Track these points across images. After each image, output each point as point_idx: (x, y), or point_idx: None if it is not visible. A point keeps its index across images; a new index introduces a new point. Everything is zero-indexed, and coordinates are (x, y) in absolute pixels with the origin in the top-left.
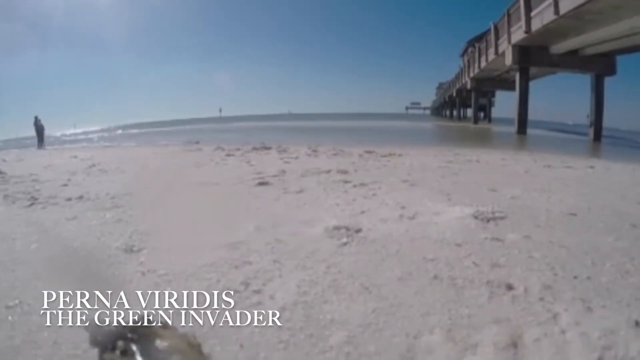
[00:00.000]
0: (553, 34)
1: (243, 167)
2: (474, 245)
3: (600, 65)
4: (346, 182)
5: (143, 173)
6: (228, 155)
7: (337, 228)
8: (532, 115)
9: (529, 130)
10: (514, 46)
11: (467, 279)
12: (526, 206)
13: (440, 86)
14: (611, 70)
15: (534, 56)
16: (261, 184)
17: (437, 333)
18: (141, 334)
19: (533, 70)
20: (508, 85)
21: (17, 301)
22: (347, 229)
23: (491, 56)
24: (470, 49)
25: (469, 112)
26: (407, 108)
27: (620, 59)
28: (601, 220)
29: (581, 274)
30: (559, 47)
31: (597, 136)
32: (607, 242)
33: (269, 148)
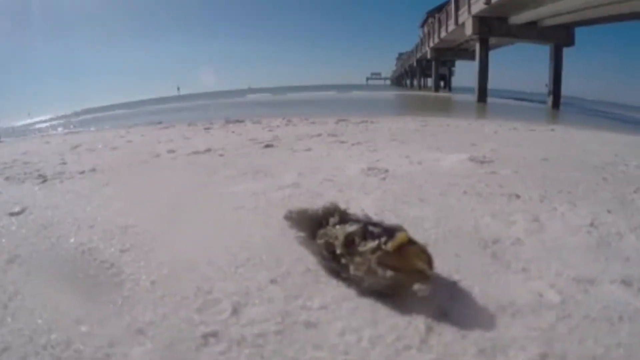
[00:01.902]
0: (512, 5)
1: (232, 137)
2: (479, 176)
3: (558, 36)
4: (342, 142)
5: (140, 148)
6: (207, 129)
7: (370, 169)
8: (491, 84)
9: (489, 99)
10: (474, 17)
11: (487, 192)
12: (506, 155)
13: (400, 57)
14: (569, 41)
15: (493, 27)
16: (267, 146)
17: (487, 217)
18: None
19: (493, 40)
20: (468, 55)
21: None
22: (378, 169)
23: (451, 27)
24: (430, 20)
25: (429, 81)
26: (367, 79)
27: (578, 30)
28: (569, 164)
29: (563, 189)
30: (519, 18)
31: (556, 104)
32: (577, 175)
33: (242, 121)
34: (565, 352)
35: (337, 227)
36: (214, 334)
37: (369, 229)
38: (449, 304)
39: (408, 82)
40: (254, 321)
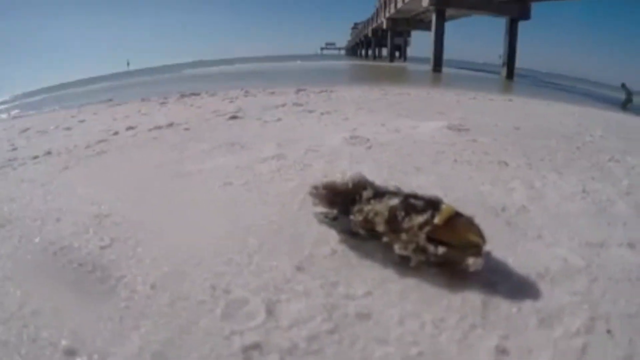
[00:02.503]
0: None
1: (193, 110)
2: (462, 144)
3: (514, 10)
4: (310, 111)
5: (96, 126)
6: (162, 103)
7: (352, 138)
8: (446, 54)
9: (444, 69)
10: None
11: (476, 160)
12: (478, 123)
13: (355, 26)
14: (525, 15)
15: None
16: (233, 117)
17: (488, 185)
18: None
19: (449, 11)
20: (424, 26)
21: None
22: (360, 138)
23: None
24: None
25: (384, 51)
26: (321, 49)
27: (535, 5)
28: (540, 133)
29: (545, 158)
30: None
31: (510, 75)
32: (552, 144)
33: (198, 94)
34: (607, 314)
35: (373, 201)
36: (256, 346)
37: (410, 202)
38: (493, 277)
39: (363, 52)
40: (297, 322)
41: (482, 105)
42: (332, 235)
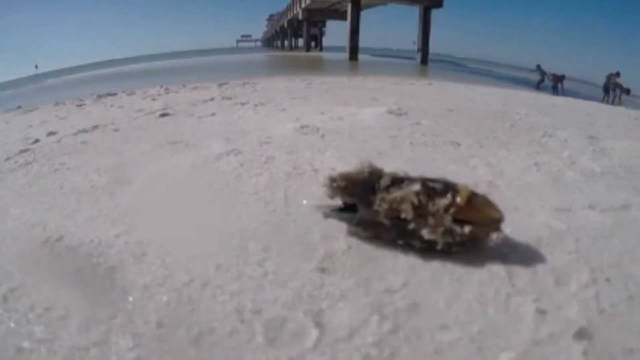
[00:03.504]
0: None
1: (115, 110)
2: (410, 128)
3: None
4: (243, 104)
5: (11, 135)
6: (79, 106)
7: (303, 127)
8: (362, 42)
9: (360, 57)
10: None
11: (430, 142)
12: (412, 107)
13: (271, 18)
14: (438, 3)
15: None
16: (163, 115)
17: (452, 165)
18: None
19: (364, 1)
20: (339, 16)
21: None
22: (309, 127)
23: None
24: None
25: (300, 42)
26: (237, 41)
27: None
28: (473, 113)
29: (488, 136)
30: None
31: (424, 60)
32: (489, 123)
33: (115, 94)
34: (600, 266)
35: (392, 189)
36: None
37: (430, 185)
38: (503, 249)
39: (279, 43)
40: (355, 329)
41: (406, 89)
42: (338, 230)
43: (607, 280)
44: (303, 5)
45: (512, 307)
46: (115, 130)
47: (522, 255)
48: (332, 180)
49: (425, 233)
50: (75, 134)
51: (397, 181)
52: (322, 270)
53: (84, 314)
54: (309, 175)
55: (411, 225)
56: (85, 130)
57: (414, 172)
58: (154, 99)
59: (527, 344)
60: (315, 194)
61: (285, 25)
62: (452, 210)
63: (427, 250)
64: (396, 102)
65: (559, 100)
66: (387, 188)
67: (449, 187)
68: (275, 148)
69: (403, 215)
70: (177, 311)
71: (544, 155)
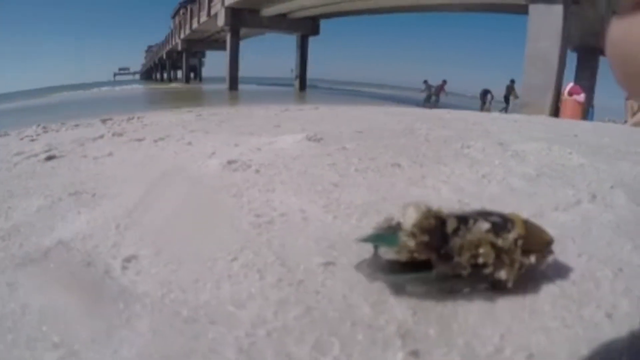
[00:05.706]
0: None
1: None
2: (340, 153)
3: (305, 27)
4: (140, 140)
5: None
6: None
7: (230, 162)
8: (242, 72)
9: (241, 86)
10: (227, 8)
11: (373, 166)
12: (322, 132)
13: (149, 49)
14: (315, 31)
15: (245, 18)
16: (49, 158)
17: (413, 188)
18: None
19: (244, 30)
20: (219, 45)
21: None
22: (235, 162)
23: (204, 18)
24: (182, 11)
25: (180, 73)
26: (115, 75)
27: (323, 22)
28: (382, 133)
29: (414, 154)
30: (269, 11)
31: (303, 86)
32: (404, 141)
33: None
34: (605, 260)
35: (460, 232)
36: None
37: (493, 220)
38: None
39: (158, 75)
40: None
41: (297, 115)
42: (383, 292)
43: (620, 270)
44: (182, 35)
45: (586, 316)
46: None
47: (549, 265)
48: (413, 235)
49: (503, 274)
50: None
51: (463, 220)
52: (415, 354)
53: None
54: (280, 222)
55: (489, 269)
56: None
57: (388, 201)
58: (32, 140)
59: None
60: (312, 247)
61: (164, 56)
62: (519, 242)
63: (493, 289)
64: (304, 128)
65: (443, 112)
66: (456, 232)
67: (503, 218)
68: (213, 192)
69: (481, 260)
70: None
71: (482, 167)
